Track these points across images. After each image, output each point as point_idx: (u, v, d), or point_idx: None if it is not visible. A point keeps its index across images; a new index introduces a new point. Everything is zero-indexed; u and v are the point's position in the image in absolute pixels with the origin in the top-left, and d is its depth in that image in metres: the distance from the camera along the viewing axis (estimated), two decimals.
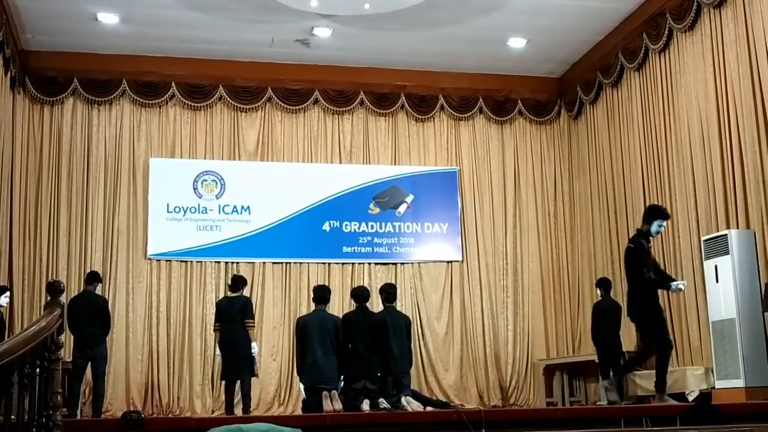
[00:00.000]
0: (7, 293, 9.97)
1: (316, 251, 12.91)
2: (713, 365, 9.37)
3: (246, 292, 10.56)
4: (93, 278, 10.12)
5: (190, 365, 12.13)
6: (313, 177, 13.13)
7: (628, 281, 8.52)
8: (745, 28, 9.49)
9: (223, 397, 11.85)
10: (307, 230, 12.92)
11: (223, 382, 10.35)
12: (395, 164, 13.49)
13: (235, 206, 12.82)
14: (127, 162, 12.64)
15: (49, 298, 5.35)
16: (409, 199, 13.36)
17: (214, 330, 10.22)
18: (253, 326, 9.95)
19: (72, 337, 9.70)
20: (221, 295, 12.36)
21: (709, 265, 9.45)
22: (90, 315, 9.65)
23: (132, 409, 8.48)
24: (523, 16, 11.68)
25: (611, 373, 9.47)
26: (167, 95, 12.83)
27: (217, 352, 10.29)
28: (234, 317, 9.68)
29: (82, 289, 10.49)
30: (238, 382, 9.83)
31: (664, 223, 8.38)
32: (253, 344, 9.79)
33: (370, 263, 13.07)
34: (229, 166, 12.96)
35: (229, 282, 10.57)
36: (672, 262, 10.72)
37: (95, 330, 9.68)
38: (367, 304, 9.18)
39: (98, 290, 10.24)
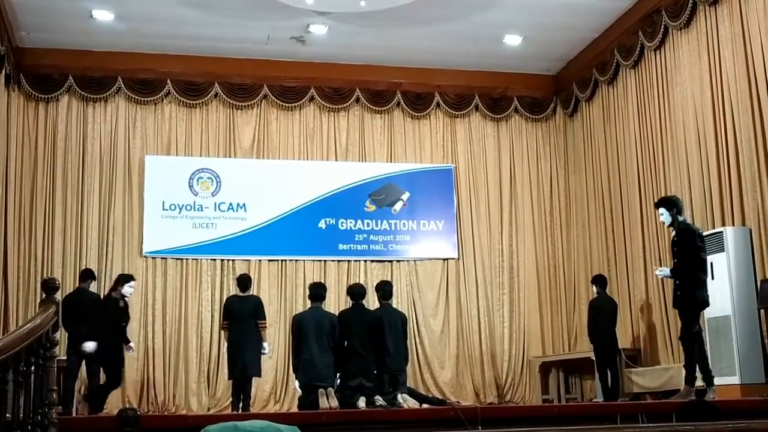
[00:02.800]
0: (132, 282, 9.98)
1: (312, 249, 12.90)
2: (709, 362, 9.36)
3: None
4: (87, 276, 10.09)
5: (186, 363, 12.11)
6: (309, 174, 13.12)
7: None
8: (741, 25, 9.50)
9: (219, 394, 11.91)
10: (302, 228, 12.91)
11: (225, 380, 10.28)
12: (391, 162, 13.48)
13: (230, 204, 12.81)
14: (122, 159, 12.61)
15: (44, 295, 5.34)
16: (405, 196, 13.36)
17: (222, 328, 10.20)
18: (266, 327, 9.91)
19: (66, 334, 9.66)
20: (217, 293, 12.39)
21: None
22: (84, 312, 9.60)
23: (128, 407, 8.45)
24: (519, 13, 11.68)
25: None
26: (163, 92, 12.80)
27: (223, 350, 10.26)
28: (245, 317, 9.65)
29: (76, 286, 10.46)
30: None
31: (659, 212, 8.17)
32: (265, 344, 9.77)
33: (366, 261, 13.06)
34: (225, 164, 12.94)
35: (235, 281, 10.53)
36: (668, 259, 10.72)
37: (89, 328, 9.63)
38: (364, 302, 9.17)
39: (92, 288, 10.21)
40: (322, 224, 13.02)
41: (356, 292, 9.16)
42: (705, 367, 7.87)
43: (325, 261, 12.92)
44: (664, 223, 8.16)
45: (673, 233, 8.07)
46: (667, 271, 8.11)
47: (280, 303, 12.61)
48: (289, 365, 11.35)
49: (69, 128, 12.50)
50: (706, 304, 7.95)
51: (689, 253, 7.91)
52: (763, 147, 9.07)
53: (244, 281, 10.07)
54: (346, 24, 11.85)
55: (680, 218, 8.03)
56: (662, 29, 10.97)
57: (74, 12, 11.37)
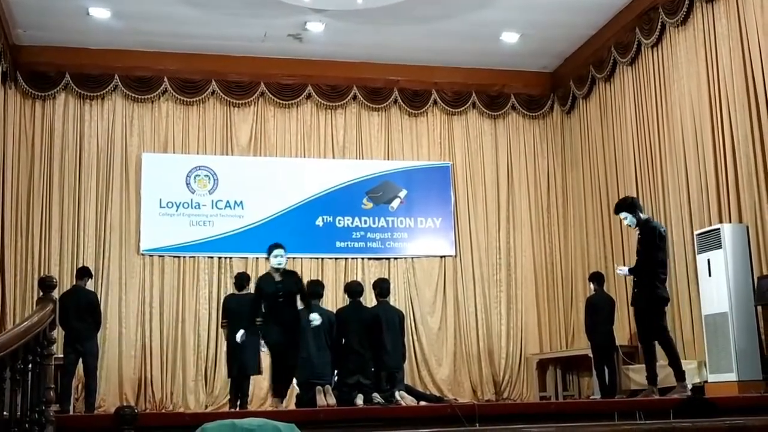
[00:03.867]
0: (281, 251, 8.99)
1: (310, 246, 12.89)
2: (706, 359, 9.39)
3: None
4: (83, 273, 10.07)
5: (183, 361, 12.11)
6: (306, 172, 13.12)
7: None
8: (738, 22, 9.50)
9: (216, 392, 11.91)
10: (300, 225, 12.90)
11: (222, 378, 10.28)
12: (388, 159, 13.48)
13: (228, 201, 12.80)
14: (119, 157, 12.60)
15: (41, 293, 5.34)
16: (402, 193, 13.35)
17: (222, 326, 10.20)
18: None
19: (62, 332, 9.65)
20: (214, 291, 12.39)
21: (701, 259, 9.48)
22: (80, 310, 9.60)
23: (125, 405, 8.45)
24: (516, 10, 11.68)
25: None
26: (159, 90, 12.79)
27: (223, 349, 10.26)
28: (243, 315, 9.64)
29: (73, 284, 10.44)
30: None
31: (621, 217, 8.19)
32: (263, 342, 9.76)
33: (363, 258, 13.06)
34: (222, 161, 12.93)
35: (233, 280, 10.53)
36: None
37: (85, 325, 9.64)
38: (361, 299, 9.17)
39: (89, 285, 10.19)
40: (319, 222, 13.02)
41: (354, 289, 9.15)
42: (652, 366, 8.04)
43: (322, 258, 12.92)
44: (629, 226, 8.15)
45: (638, 233, 8.07)
46: (626, 269, 8.16)
47: None
48: None
49: (66, 126, 12.48)
50: (666, 300, 7.97)
51: (648, 251, 7.95)
52: (760, 144, 9.08)
53: (240, 280, 10.07)
54: (343, 21, 11.84)
55: (642, 217, 8.07)
56: (659, 26, 10.97)
57: (71, 10, 11.35)
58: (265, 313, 8.14)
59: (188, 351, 12.15)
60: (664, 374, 10.02)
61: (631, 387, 10.63)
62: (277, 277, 8.13)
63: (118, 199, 12.48)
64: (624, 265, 9.05)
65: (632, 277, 8.05)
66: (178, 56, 12.74)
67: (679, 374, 7.92)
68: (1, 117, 11.68)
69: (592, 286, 10.82)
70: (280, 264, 8.11)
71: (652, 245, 7.91)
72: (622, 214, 8.12)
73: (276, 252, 8.13)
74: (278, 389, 8.24)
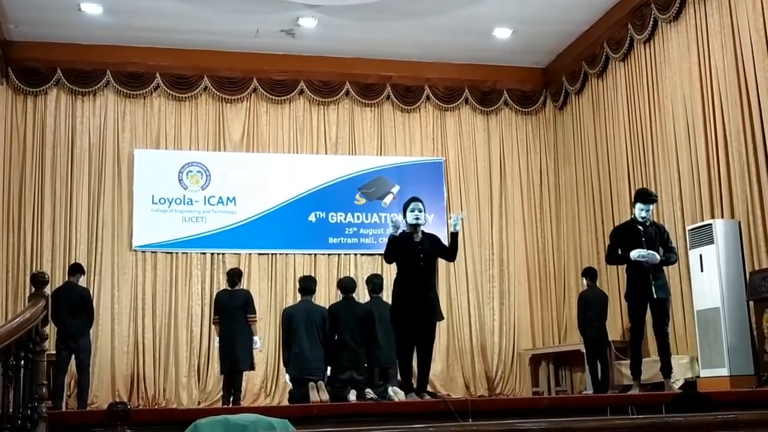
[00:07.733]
0: None
1: (302, 242, 12.89)
2: (698, 354, 9.42)
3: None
4: (75, 269, 10.05)
5: (176, 357, 12.10)
6: (299, 168, 13.09)
7: None
8: (730, 18, 9.52)
9: (209, 388, 11.91)
10: (292, 221, 12.89)
11: (215, 374, 10.29)
12: (381, 155, 13.47)
13: (220, 197, 12.78)
14: (111, 153, 12.56)
15: (33, 289, 5.32)
16: (395, 189, 13.34)
17: (213, 323, 10.20)
18: (256, 321, 9.94)
19: (55, 329, 9.63)
20: (207, 287, 12.37)
21: (693, 254, 9.51)
22: (72, 307, 9.58)
23: (118, 401, 8.44)
24: (509, 6, 11.68)
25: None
26: (152, 86, 12.75)
27: (215, 345, 10.26)
28: (235, 311, 9.65)
29: (65, 281, 10.42)
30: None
31: (646, 207, 7.88)
32: (255, 338, 9.79)
33: (356, 254, 13.05)
34: (215, 157, 12.91)
35: (225, 276, 10.52)
36: None
37: (78, 322, 9.62)
38: (354, 295, 9.17)
39: (81, 281, 10.17)
40: (312, 218, 13.00)
41: (346, 285, 9.16)
42: (640, 360, 8.23)
43: (315, 254, 12.90)
44: (644, 217, 7.92)
45: (647, 225, 7.96)
46: (656, 257, 7.82)
47: (270, 297, 12.60)
48: (279, 359, 11.34)
49: (58, 122, 12.44)
50: None
51: (673, 248, 8.07)
52: (752, 139, 9.10)
53: (232, 276, 10.06)
54: (336, 17, 11.83)
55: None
56: (651, 22, 10.99)
57: (62, 5, 11.31)
58: None
59: (181, 347, 12.14)
60: (657, 369, 10.07)
61: (624, 382, 10.66)
62: None
63: (110, 195, 12.45)
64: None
65: (650, 268, 7.80)
66: (170, 52, 12.70)
67: (670, 369, 8.01)
68: None
69: (584, 281, 10.83)
70: None
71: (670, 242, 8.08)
72: (651, 206, 7.99)
73: None
74: None
